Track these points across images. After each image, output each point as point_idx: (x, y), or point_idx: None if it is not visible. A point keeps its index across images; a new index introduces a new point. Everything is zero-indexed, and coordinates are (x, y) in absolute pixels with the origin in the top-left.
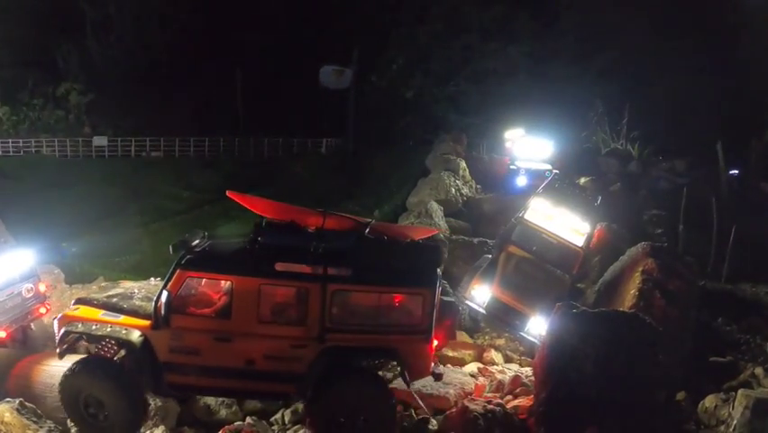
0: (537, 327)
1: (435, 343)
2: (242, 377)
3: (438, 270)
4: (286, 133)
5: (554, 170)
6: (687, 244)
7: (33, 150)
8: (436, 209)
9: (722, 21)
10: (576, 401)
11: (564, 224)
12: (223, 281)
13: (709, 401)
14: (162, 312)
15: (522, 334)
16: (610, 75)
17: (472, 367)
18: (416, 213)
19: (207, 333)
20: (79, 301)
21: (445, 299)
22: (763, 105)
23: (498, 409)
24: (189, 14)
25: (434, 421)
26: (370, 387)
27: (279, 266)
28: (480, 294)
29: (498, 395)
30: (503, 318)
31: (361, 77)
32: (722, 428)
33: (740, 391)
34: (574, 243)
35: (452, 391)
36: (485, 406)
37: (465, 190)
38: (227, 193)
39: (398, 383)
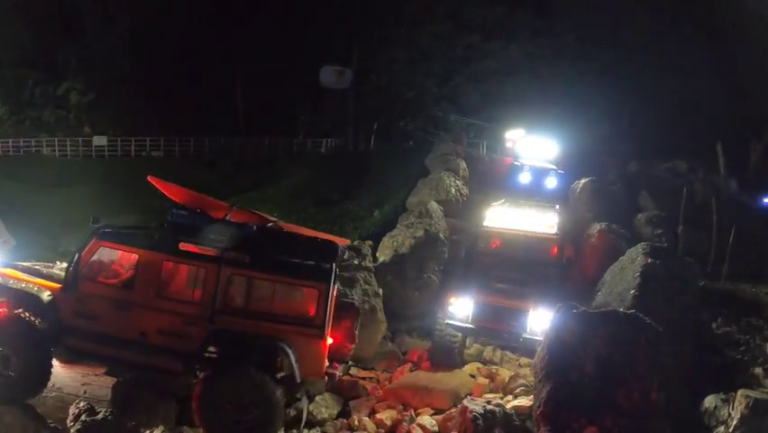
0: (539, 322)
1: (330, 341)
2: (134, 349)
3: (334, 266)
4: (286, 134)
5: (560, 171)
6: (687, 244)
7: (33, 149)
8: (436, 209)
9: (723, 21)
10: (576, 402)
11: (529, 220)
12: (132, 255)
13: (709, 402)
14: (72, 276)
15: (524, 336)
16: (611, 75)
17: (472, 367)
18: (416, 213)
19: (110, 301)
20: (6, 266)
21: (345, 300)
22: (763, 106)
23: (497, 409)
24: (190, 14)
25: (433, 421)
26: (256, 377)
27: (182, 245)
28: (461, 309)
29: (497, 395)
30: (497, 326)
31: (361, 76)
32: (722, 428)
33: (740, 392)
34: (546, 232)
35: (450, 392)
36: (485, 406)
37: (465, 190)
38: (148, 178)
39: (396, 383)
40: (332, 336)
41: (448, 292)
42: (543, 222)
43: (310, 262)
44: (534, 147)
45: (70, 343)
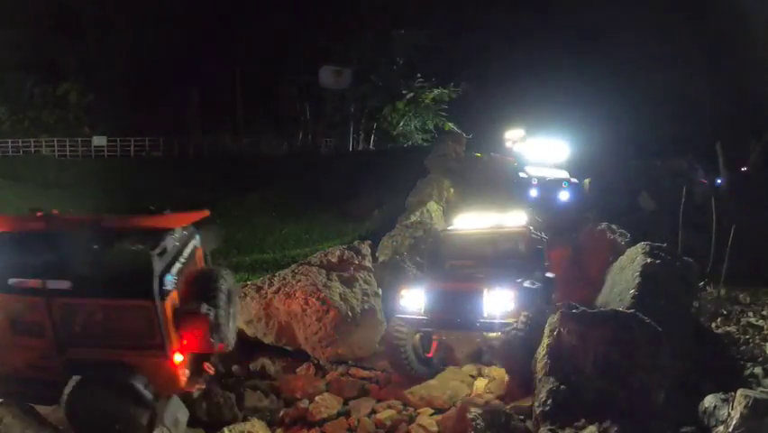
0: (496, 304)
1: (179, 358)
2: (17, 382)
3: (159, 278)
4: (285, 134)
5: (572, 180)
6: (686, 243)
7: (33, 150)
8: (436, 209)
9: (722, 21)
10: (575, 402)
11: (497, 219)
12: None
13: (708, 401)
14: None
15: (481, 321)
16: (611, 75)
17: (471, 367)
18: (415, 213)
19: None
20: None
21: (190, 307)
22: (762, 106)
23: (496, 408)
24: (188, 14)
25: (433, 421)
26: (113, 402)
27: (12, 281)
28: (413, 300)
29: (497, 395)
30: (449, 314)
31: (361, 77)
32: (721, 428)
33: (739, 392)
34: (515, 225)
35: (449, 392)
36: (484, 406)
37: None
38: None
39: (396, 383)
40: (180, 350)
41: (399, 284)
42: (510, 218)
43: (133, 279)
44: (543, 150)
45: None
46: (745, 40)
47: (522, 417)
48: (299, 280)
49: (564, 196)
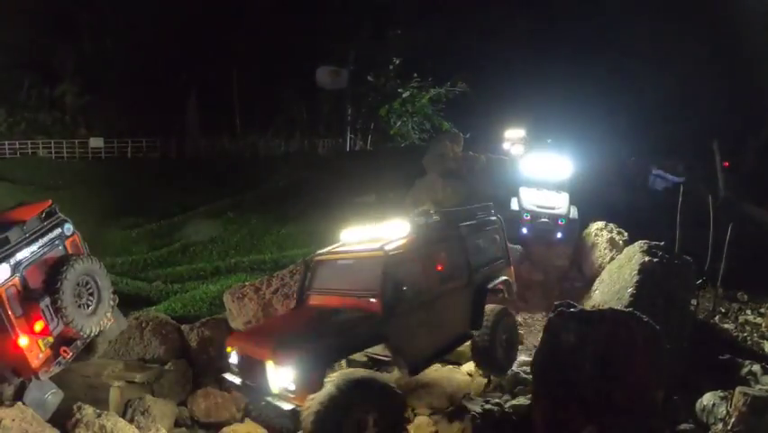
0: (288, 380)
1: (24, 341)
2: None
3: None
4: (283, 134)
5: (571, 216)
6: (684, 242)
7: (30, 151)
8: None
9: (721, 20)
10: (574, 401)
11: (371, 235)
12: None
13: (707, 399)
14: None
15: (267, 400)
16: (610, 75)
17: (470, 366)
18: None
19: None
20: None
21: (31, 290)
22: (759, 105)
23: (496, 408)
24: (186, 15)
25: (431, 421)
26: None
27: None
28: (235, 359)
29: (495, 394)
30: (250, 384)
31: (358, 77)
32: (720, 426)
33: (738, 389)
34: (374, 248)
35: (448, 391)
36: (483, 405)
37: (463, 190)
38: None
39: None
40: (31, 332)
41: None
42: (386, 232)
43: None
44: (544, 167)
45: None
46: (742, 39)
47: (521, 416)
48: (297, 281)
49: (559, 234)
